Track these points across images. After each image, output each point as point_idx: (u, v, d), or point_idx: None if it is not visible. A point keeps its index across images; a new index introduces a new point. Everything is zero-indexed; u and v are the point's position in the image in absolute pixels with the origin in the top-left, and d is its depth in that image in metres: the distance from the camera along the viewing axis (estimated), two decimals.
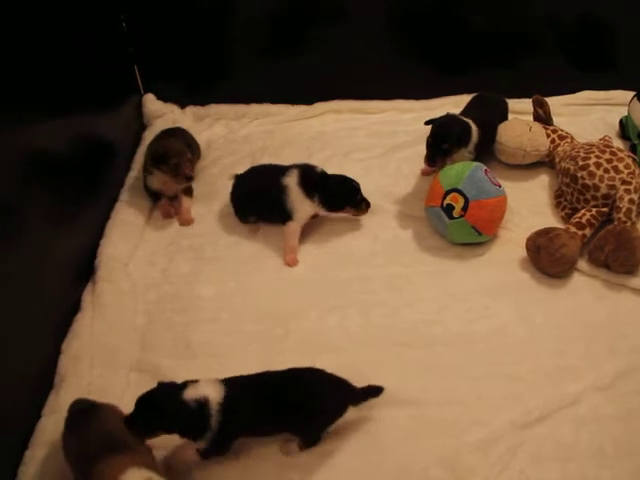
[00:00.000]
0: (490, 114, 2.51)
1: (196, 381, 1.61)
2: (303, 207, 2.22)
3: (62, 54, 2.11)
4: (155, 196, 2.44)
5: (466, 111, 2.52)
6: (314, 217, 2.31)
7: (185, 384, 1.60)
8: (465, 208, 2.11)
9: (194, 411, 1.56)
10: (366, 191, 2.41)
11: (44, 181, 1.96)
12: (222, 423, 1.58)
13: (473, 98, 2.60)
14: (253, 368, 1.81)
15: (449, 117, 2.37)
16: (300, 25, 2.77)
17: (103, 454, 1.49)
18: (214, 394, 1.59)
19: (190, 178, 2.33)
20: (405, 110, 2.86)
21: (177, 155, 2.30)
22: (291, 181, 2.22)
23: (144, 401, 1.56)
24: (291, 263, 2.23)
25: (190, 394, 1.57)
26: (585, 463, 1.66)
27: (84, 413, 1.64)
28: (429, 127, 2.34)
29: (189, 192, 2.47)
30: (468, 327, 1.98)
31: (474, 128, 2.36)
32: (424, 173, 2.51)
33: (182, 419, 1.56)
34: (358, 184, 2.25)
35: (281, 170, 2.28)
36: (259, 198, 2.30)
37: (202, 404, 1.57)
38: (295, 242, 2.25)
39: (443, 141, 2.29)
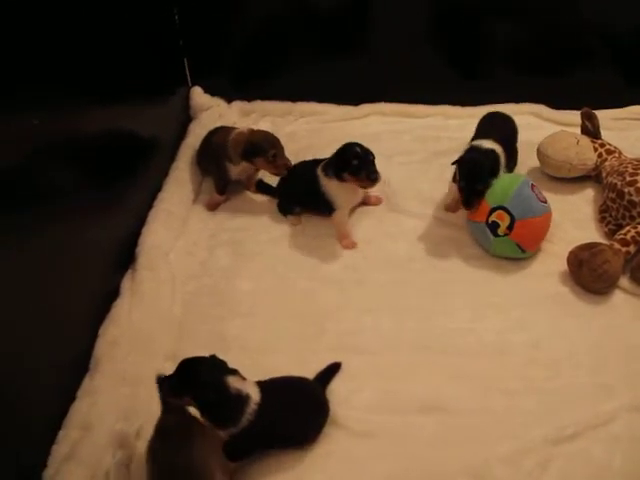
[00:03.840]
0: (507, 132, 2.41)
1: (238, 372, 1.62)
2: (334, 190, 2.20)
3: (115, 44, 2.14)
4: (225, 187, 2.46)
5: (483, 132, 2.37)
6: (360, 205, 2.32)
7: (231, 370, 1.61)
8: (511, 227, 2.08)
9: (232, 397, 1.56)
10: (407, 195, 2.44)
11: (89, 167, 1.99)
12: (252, 423, 1.58)
13: (484, 118, 2.47)
14: (286, 365, 1.84)
15: (476, 153, 2.20)
16: (349, 26, 2.77)
17: None
18: (254, 395, 1.60)
19: (290, 167, 2.31)
20: (450, 116, 2.84)
21: (273, 146, 2.29)
22: (319, 169, 2.24)
23: (189, 362, 1.58)
24: (349, 246, 2.25)
25: (234, 380, 1.58)
26: None
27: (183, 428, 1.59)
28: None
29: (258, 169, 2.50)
30: (503, 338, 1.96)
31: (499, 151, 2.23)
32: (449, 209, 2.33)
33: (215, 397, 1.55)
34: (362, 151, 2.09)
35: (320, 161, 2.29)
36: (304, 191, 2.31)
37: (241, 397, 1.57)
38: (345, 229, 2.27)
39: (477, 183, 2.14)
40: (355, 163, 2.09)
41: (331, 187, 2.21)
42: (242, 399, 1.58)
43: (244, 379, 1.62)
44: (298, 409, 1.69)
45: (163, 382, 1.58)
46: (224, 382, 1.57)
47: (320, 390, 1.78)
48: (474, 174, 2.15)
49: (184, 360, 1.59)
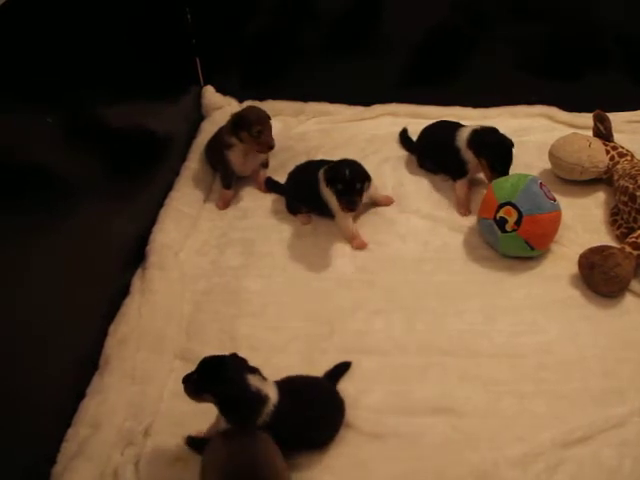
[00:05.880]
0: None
1: (260, 372, 1.62)
2: (331, 197, 2.20)
3: (128, 43, 2.15)
4: (231, 181, 2.46)
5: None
6: (371, 205, 2.31)
7: (253, 369, 1.61)
8: (518, 222, 2.08)
9: (251, 396, 1.56)
10: (418, 196, 2.44)
11: (100, 165, 1.99)
12: (267, 424, 1.58)
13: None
14: (295, 365, 1.85)
15: (492, 132, 2.34)
16: (362, 26, 2.77)
17: None
18: (272, 396, 1.60)
19: (272, 147, 2.33)
20: (462, 117, 2.81)
21: (260, 122, 2.31)
22: (320, 175, 2.23)
23: (212, 359, 1.57)
24: (360, 247, 2.25)
25: (255, 379, 1.58)
26: None
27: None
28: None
29: (265, 165, 2.54)
30: (514, 341, 1.94)
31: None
32: (462, 213, 2.39)
33: (236, 394, 1.55)
34: (349, 177, 2.09)
35: (326, 163, 2.28)
36: (307, 192, 2.30)
37: (261, 396, 1.57)
38: (350, 232, 2.26)
39: (510, 157, 2.28)
40: (339, 187, 2.11)
41: (328, 194, 2.20)
42: (261, 399, 1.57)
43: (265, 379, 1.62)
44: (316, 411, 1.68)
45: (186, 380, 1.58)
46: (245, 379, 1.56)
47: (335, 390, 1.77)
48: (507, 151, 2.29)
49: (205, 358, 1.58)
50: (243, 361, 1.60)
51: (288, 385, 1.67)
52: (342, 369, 1.86)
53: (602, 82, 2.75)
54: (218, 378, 1.54)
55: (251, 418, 1.57)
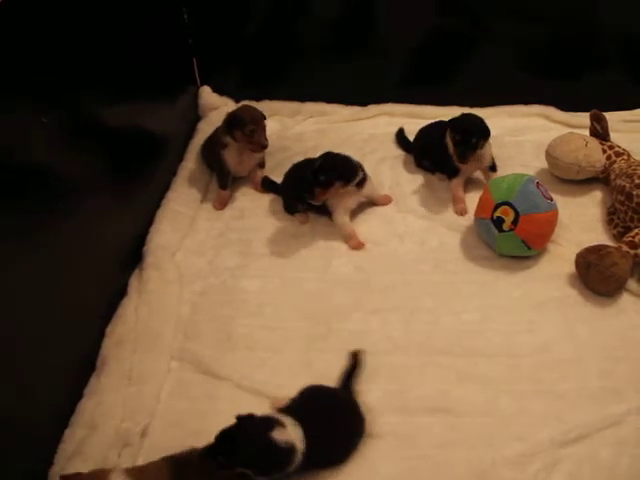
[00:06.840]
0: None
1: (275, 419, 1.57)
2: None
3: (125, 44, 2.15)
4: (227, 181, 2.46)
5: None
6: (369, 204, 2.31)
7: (268, 421, 1.55)
8: (515, 222, 2.08)
9: (284, 453, 1.53)
10: (415, 196, 2.44)
11: (97, 166, 1.99)
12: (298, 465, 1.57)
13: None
14: (293, 365, 1.86)
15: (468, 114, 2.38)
16: (358, 26, 2.77)
17: None
18: (298, 439, 1.55)
19: (265, 147, 2.35)
20: None
21: (253, 122, 2.32)
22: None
23: (232, 436, 1.50)
24: (357, 247, 2.25)
25: (279, 435, 1.52)
26: None
27: None
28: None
29: (262, 165, 2.54)
30: (511, 340, 1.94)
31: None
32: (458, 212, 2.39)
33: (271, 459, 1.52)
34: (315, 171, 2.16)
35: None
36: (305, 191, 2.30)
37: (291, 448, 1.53)
38: (347, 231, 2.26)
39: (472, 135, 2.27)
40: (310, 177, 2.17)
41: None
42: (291, 450, 1.53)
43: (283, 425, 1.55)
44: (336, 432, 1.65)
45: (210, 456, 1.50)
46: (271, 440, 1.51)
47: (356, 406, 1.73)
48: (469, 126, 2.30)
49: (222, 432, 1.51)
50: (254, 419, 1.54)
51: (307, 406, 1.66)
52: (352, 370, 1.83)
53: (599, 82, 2.75)
54: (249, 452, 1.49)
55: (283, 468, 1.54)
